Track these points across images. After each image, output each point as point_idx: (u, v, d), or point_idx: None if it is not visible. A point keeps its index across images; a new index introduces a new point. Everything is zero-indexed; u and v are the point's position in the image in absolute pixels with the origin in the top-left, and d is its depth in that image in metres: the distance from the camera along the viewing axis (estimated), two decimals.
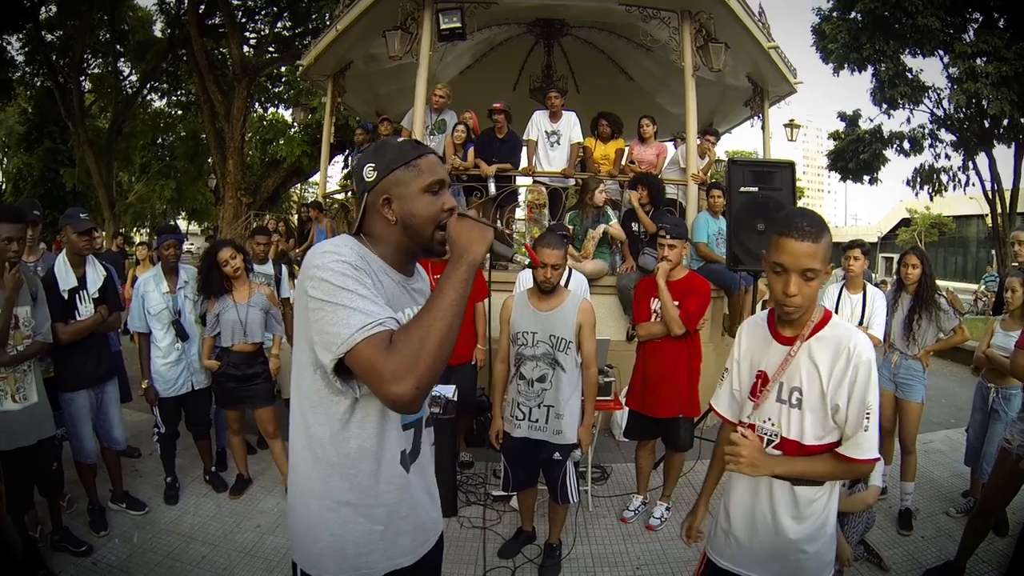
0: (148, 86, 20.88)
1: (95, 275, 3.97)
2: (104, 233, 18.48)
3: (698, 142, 7.07)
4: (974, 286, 22.04)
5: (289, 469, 1.62)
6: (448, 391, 4.42)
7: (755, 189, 4.53)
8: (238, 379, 4.28)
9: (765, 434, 1.90)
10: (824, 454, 1.81)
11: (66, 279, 3.80)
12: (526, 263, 1.67)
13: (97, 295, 3.92)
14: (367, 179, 1.55)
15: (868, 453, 1.77)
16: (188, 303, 4.44)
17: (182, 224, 32.67)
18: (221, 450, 4.93)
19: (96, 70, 21.08)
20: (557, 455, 3.46)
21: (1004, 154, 18.11)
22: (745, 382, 2.01)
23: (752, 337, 2.02)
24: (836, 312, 4.24)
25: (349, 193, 8.67)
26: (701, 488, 2.25)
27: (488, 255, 1.52)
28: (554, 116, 6.89)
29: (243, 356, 4.28)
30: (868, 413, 1.74)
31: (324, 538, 1.54)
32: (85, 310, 3.85)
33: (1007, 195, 18.24)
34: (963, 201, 25.53)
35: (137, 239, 22.46)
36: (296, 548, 1.61)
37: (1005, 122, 16.32)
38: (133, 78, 21.00)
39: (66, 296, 3.77)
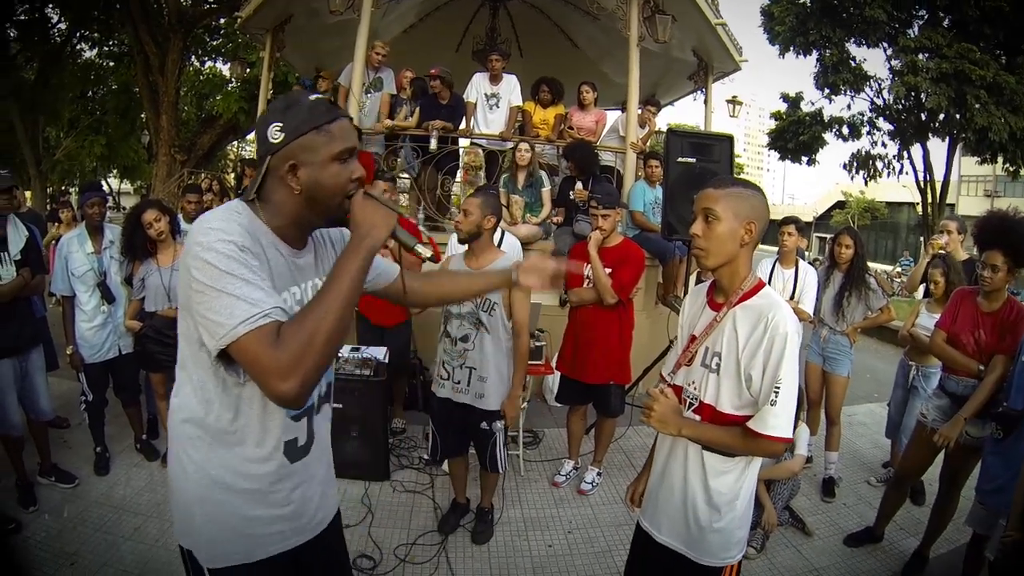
0: (78, 35, 19.75)
1: (17, 236, 3.73)
2: (30, 192, 17.60)
3: (639, 111, 7.10)
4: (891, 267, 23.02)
5: (169, 443, 1.56)
6: (379, 353, 4.38)
7: (693, 160, 4.58)
8: (161, 343, 4.05)
9: (688, 397, 1.93)
10: (735, 426, 1.81)
11: None
12: (428, 255, 1.57)
13: (20, 257, 3.70)
14: (272, 140, 1.40)
15: (774, 430, 1.73)
16: (114, 264, 4.26)
17: (114, 183, 31.30)
18: (152, 417, 4.78)
19: (22, 17, 19.81)
20: (484, 424, 3.41)
21: (938, 147, 18.90)
22: (681, 346, 2.04)
23: (692, 304, 2.07)
24: (768, 285, 4.35)
25: None
26: (648, 454, 2.26)
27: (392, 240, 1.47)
28: (494, 79, 6.83)
29: (166, 321, 4.02)
30: (778, 388, 1.72)
31: (199, 517, 1.49)
32: (6, 273, 3.62)
33: (938, 186, 19.04)
34: (896, 188, 26.38)
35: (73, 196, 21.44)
36: (176, 524, 1.57)
37: (941, 116, 16.96)
38: (62, 26, 19.82)
39: None
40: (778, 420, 1.73)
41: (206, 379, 1.42)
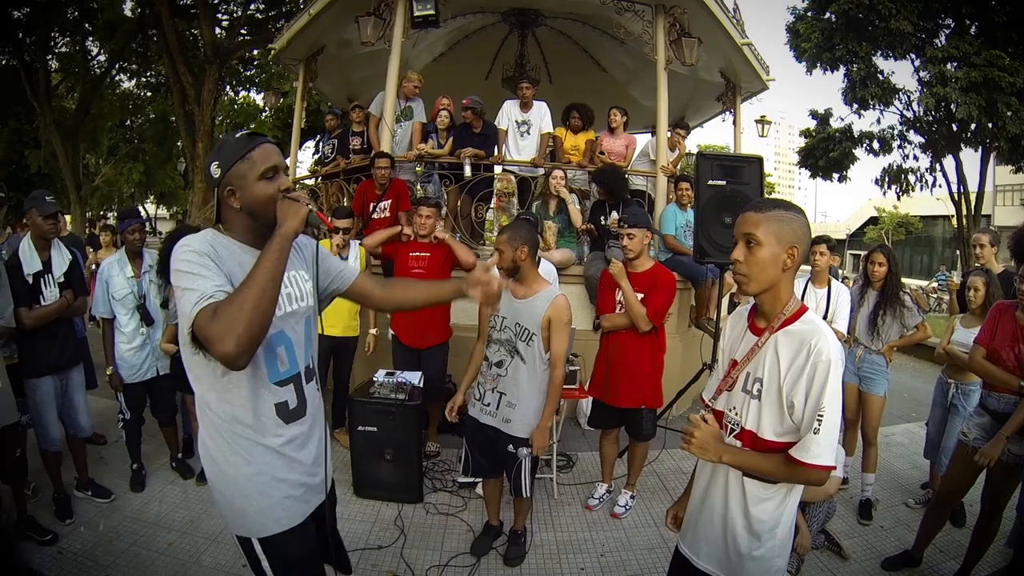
0: (117, 66, 20.38)
1: (60, 259, 3.88)
2: (70, 216, 18.11)
3: (669, 135, 7.11)
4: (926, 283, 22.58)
5: (199, 442, 1.87)
6: (414, 378, 4.43)
7: (723, 183, 4.57)
8: None
9: (730, 422, 1.90)
10: (776, 453, 1.78)
11: (31, 263, 3.71)
12: (325, 229, 1.78)
13: (63, 279, 3.84)
14: (214, 176, 1.77)
15: (816, 458, 1.69)
16: (153, 287, 4.37)
17: (151, 208, 32.08)
18: (187, 436, 4.87)
19: (63, 49, 20.48)
20: (510, 447, 3.40)
21: (971, 157, 18.53)
22: (722, 370, 2.02)
23: (733, 327, 2.04)
24: None
25: (319, 179, 8.61)
26: (689, 478, 2.22)
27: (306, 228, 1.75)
28: (525, 106, 6.88)
29: None
30: (821, 416, 1.68)
31: (238, 499, 1.82)
32: (50, 295, 3.77)
33: (972, 197, 18.66)
34: (930, 202, 26.04)
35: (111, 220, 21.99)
36: (224, 515, 1.89)
37: (973, 126, 16.59)
38: (101, 58, 20.44)
39: (31, 280, 3.69)
40: (821, 448, 1.69)
41: (201, 372, 1.76)
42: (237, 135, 1.81)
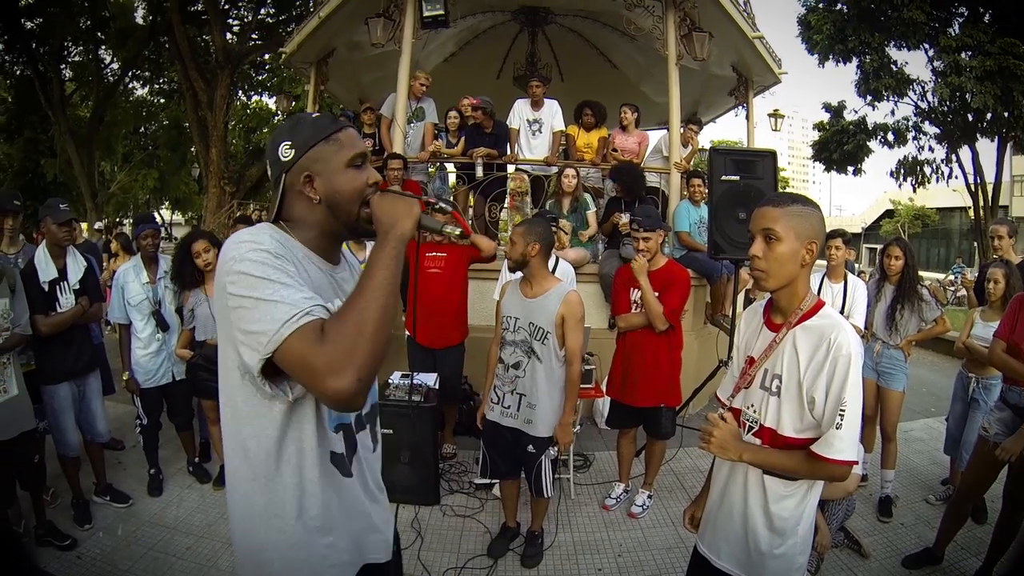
0: (130, 74, 20.59)
1: (76, 266, 3.92)
2: (86, 224, 18.27)
3: (681, 131, 7.07)
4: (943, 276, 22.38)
5: (228, 490, 1.47)
6: (430, 379, 4.43)
7: (736, 178, 4.53)
8: (211, 371, 4.20)
9: (748, 420, 1.89)
10: (797, 450, 1.76)
11: (46, 270, 3.75)
12: (457, 232, 1.54)
13: (78, 286, 3.88)
14: (284, 158, 1.43)
15: (839, 453, 1.68)
16: (168, 293, 4.41)
17: (166, 214, 32.36)
18: (204, 441, 4.90)
19: (77, 58, 20.73)
20: (531, 448, 3.41)
21: (987, 147, 18.30)
22: (738, 368, 2.00)
23: (748, 323, 2.02)
24: None
25: None
26: (706, 478, 2.22)
27: (418, 229, 1.44)
28: (536, 104, 6.87)
29: (216, 349, 4.20)
30: (843, 410, 1.67)
31: (275, 562, 1.42)
32: (66, 301, 3.80)
33: (989, 188, 18.44)
34: (946, 193, 25.70)
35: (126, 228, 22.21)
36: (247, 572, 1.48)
37: (988, 116, 16.41)
38: (114, 66, 20.66)
39: (46, 288, 3.72)
40: (843, 443, 1.68)
41: (254, 413, 1.36)
42: (315, 114, 1.50)
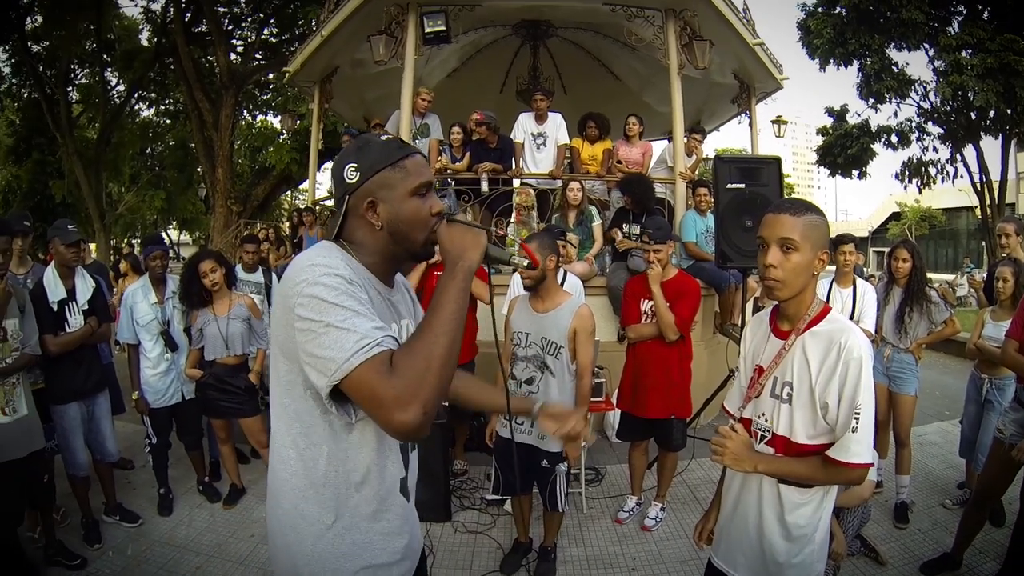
0: (136, 96, 20.78)
1: (84, 286, 3.95)
2: (95, 245, 18.41)
3: (685, 140, 7.07)
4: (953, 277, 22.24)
5: (271, 503, 1.48)
6: None
7: (742, 186, 4.52)
8: (220, 390, 4.25)
9: (759, 429, 1.87)
10: (812, 456, 1.75)
11: (55, 291, 3.78)
12: (525, 263, 1.55)
13: (87, 306, 3.91)
14: (348, 180, 1.42)
15: (856, 457, 1.67)
16: (177, 313, 4.44)
17: (173, 234, 32.55)
18: (214, 460, 4.90)
19: (83, 80, 20.98)
20: (546, 462, 3.39)
21: (991, 145, 18.32)
22: (746, 378, 1.98)
23: (754, 332, 2.01)
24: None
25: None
26: (716, 490, 2.20)
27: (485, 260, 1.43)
28: (540, 118, 6.89)
29: (226, 368, 4.24)
30: (857, 414, 1.65)
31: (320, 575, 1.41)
32: (75, 321, 3.83)
33: (995, 186, 18.40)
34: (952, 193, 25.67)
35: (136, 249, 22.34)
36: None
37: (991, 113, 16.45)
38: (120, 88, 20.88)
39: (56, 308, 3.75)
40: (860, 446, 1.67)
41: (314, 426, 1.37)
42: (384, 137, 1.48)
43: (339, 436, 1.38)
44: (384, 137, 1.47)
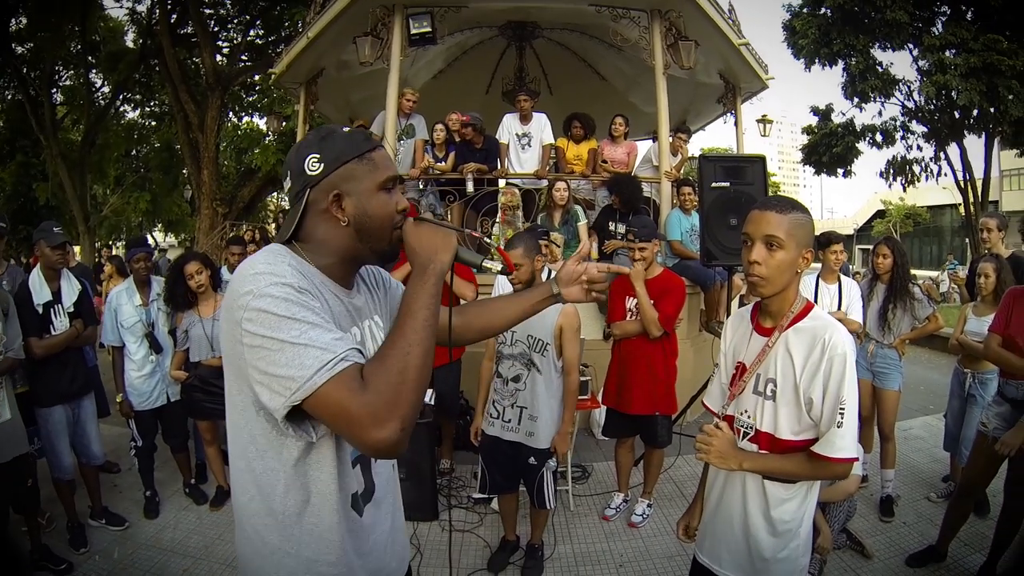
0: (121, 97, 20.57)
1: (70, 289, 3.93)
2: (79, 247, 18.24)
3: (670, 139, 7.10)
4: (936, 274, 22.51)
5: (237, 526, 1.36)
6: (425, 395, 4.40)
7: (727, 184, 4.55)
8: (207, 392, 4.21)
9: (742, 427, 1.88)
10: (798, 452, 1.76)
11: (41, 293, 3.76)
12: (498, 269, 1.50)
13: (72, 309, 3.88)
14: (310, 172, 1.29)
15: (842, 452, 1.69)
16: (161, 315, 4.42)
17: (159, 236, 32.30)
18: (200, 462, 4.87)
19: (68, 82, 20.75)
20: (533, 460, 3.40)
21: (975, 144, 18.53)
22: (727, 375, 1.99)
23: (735, 329, 2.01)
24: (815, 301, 4.26)
25: None
26: (698, 486, 2.21)
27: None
28: (524, 118, 6.91)
29: (212, 370, 4.19)
30: (842, 409, 1.67)
31: None
32: (60, 324, 3.81)
33: (979, 184, 18.59)
34: (936, 191, 25.85)
35: (119, 251, 22.14)
36: None
37: (975, 112, 16.59)
38: (105, 89, 20.66)
39: (41, 311, 3.73)
40: (845, 441, 1.69)
41: (269, 448, 1.25)
42: (348, 129, 1.37)
43: (296, 458, 1.26)
44: (347, 128, 1.38)
